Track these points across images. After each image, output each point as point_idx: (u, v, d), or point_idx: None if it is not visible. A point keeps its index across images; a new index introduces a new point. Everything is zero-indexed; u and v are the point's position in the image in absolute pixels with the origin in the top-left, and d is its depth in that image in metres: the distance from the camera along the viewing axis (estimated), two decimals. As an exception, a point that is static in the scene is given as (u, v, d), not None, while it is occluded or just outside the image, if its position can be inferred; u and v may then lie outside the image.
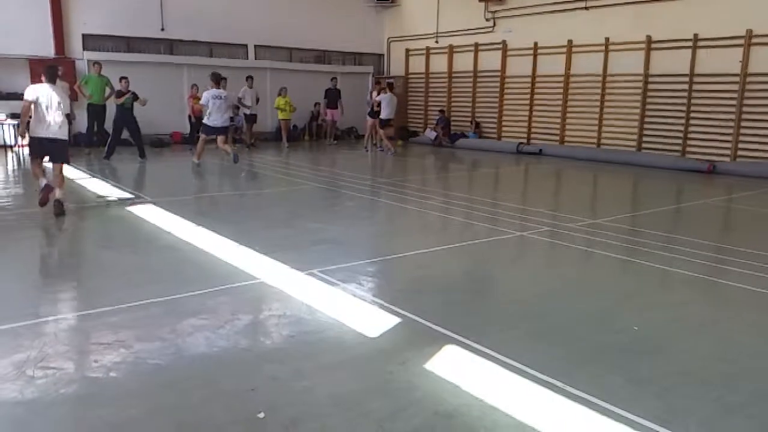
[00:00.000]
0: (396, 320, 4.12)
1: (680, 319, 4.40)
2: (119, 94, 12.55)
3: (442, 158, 15.42)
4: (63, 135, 7.45)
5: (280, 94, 16.44)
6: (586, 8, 15.01)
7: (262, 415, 2.90)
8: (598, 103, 15.04)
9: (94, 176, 10.60)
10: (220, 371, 3.38)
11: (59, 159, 7.56)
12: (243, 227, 6.95)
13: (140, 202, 8.28)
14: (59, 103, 7.28)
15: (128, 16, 15.73)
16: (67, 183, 8.39)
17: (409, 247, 6.28)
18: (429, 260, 5.84)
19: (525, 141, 16.58)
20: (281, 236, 6.53)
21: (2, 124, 13.10)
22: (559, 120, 16.03)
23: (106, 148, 12.68)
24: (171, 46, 16.71)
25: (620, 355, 3.70)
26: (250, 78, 15.84)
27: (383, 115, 15.44)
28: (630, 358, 3.65)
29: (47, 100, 7.23)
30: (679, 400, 3.15)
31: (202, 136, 12.02)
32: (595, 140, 15.17)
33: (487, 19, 17.43)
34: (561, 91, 15.86)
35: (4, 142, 13.36)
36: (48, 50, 14.71)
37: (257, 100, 16.09)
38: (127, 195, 8.87)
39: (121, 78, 12.75)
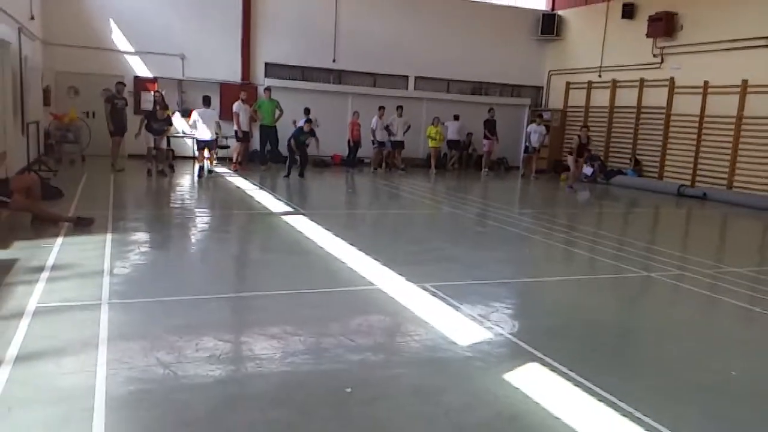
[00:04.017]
0: (489, 335, 4.43)
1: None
2: (299, 132, 13.81)
3: (594, 194, 15.06)
4: (211, 137, 13.31)
5: (432, 123, 17.24)
6: (767, 46, 13.94)
7: (349, 390, 3.41)
8: (775, 148, 13.82)
9: (261, 189, 12.00)
10: (324, 351, 3.96)
11: (211, 148, 13.55)
12: (374, 241, 7.66)
13: (294, 213, 9.33)
14: (209, 118, 13.25)
15: (305, 48, 17.53)
16: (239, 194, 10.14)
17: (526, 274, 6.50)
18: (541, 288, 6.03)
19: (688, 183, 15.62)
20: (406, 251, 7.08)
21: (193, 139, 15.16)
22: (728, 163, 14.92)
23: (296, 169, 13.98)
24: (339, 76, 18.27)
25: (706, 394, 3.68)
26: (399, 108, 16.90)
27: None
28: (714, 397, 3.63)
29: (202, 117, 13.13)
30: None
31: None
32: (767, 188, 13.92)
33: (655, 55, 16.82)
34: (732, 132, 14.78)
35: (193, 153, 15.47)
36: (236, 77, 16.89)
37: (408, 128, 17.04)
38: (284, 207, 10.02)
39: (306, 120, 13.96)
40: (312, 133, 14.00)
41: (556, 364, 3.91)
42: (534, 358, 4.02)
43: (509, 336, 4.43)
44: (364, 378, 3.61)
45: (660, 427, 3.16)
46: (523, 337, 4.40)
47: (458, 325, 4.59)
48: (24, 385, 3.27)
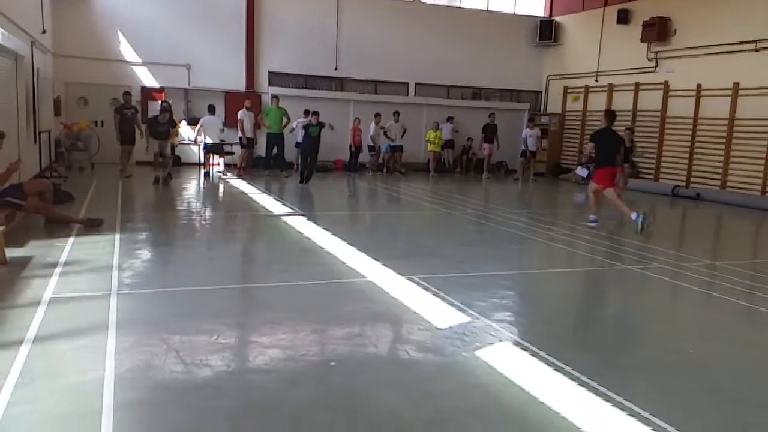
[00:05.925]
0: (467, 318, 4.80)
1: (749, 354, 4.53)
2: (307, 126, 14.36)
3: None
4: (218, 141, 14.77)
5: (432, 128, 17.68)
6: (756, 50, 14.27)
7: (333, 363, 3.80)
8: (765, 149, 14.12)
9: (264, 192, 12.42)
10: (313, 333, 4.35)
11: (219, 153, 15.11)
12: (367, 238, 8.09)
13: (294, 215, 9.74)
14: (214, 125, 14.78)
15: (308, 57, 18.02)
16: (242, 197, 10.51)
17: (510, 267, 6.87)
18: (522, 280, 6.39)
19: (683, 184, 15.95)
20: (398, 248, 7.49)
21: (198, 146, 15.63)
22: (721, 164, 15.25)
23: (304, 175, 14.29)
24: (341, 83, 18.74)
25: (659, 368, 4.03)
26: (396, 113, 17.57)
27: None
28: (665, 371, 3.99)
29: (209, 124, 14.70)
30: (690, 402, 3.49)
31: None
32: (759, 187, 14.22)
33: (650, 59, 17.18)
34: (725, 134, 15.11)
35: (199, 160, 15.92)
36: (240, 85, 17.39)
37: (404, 133, 17.60)
38: (286, 209, 10.44)
39: (313, 113, 14.51)
40: (321, 124, 14.15)
41: (525, 343, 4.28)
42: (506, 339, 4.39)
43: (486, 320, 4.79)
44: (348, 354, 3.99)
45: (615, 396, 3.50)
46: (499, 321, 4.77)
47: (440, 311, 4.96)
48: (43, 360, 3.67)
